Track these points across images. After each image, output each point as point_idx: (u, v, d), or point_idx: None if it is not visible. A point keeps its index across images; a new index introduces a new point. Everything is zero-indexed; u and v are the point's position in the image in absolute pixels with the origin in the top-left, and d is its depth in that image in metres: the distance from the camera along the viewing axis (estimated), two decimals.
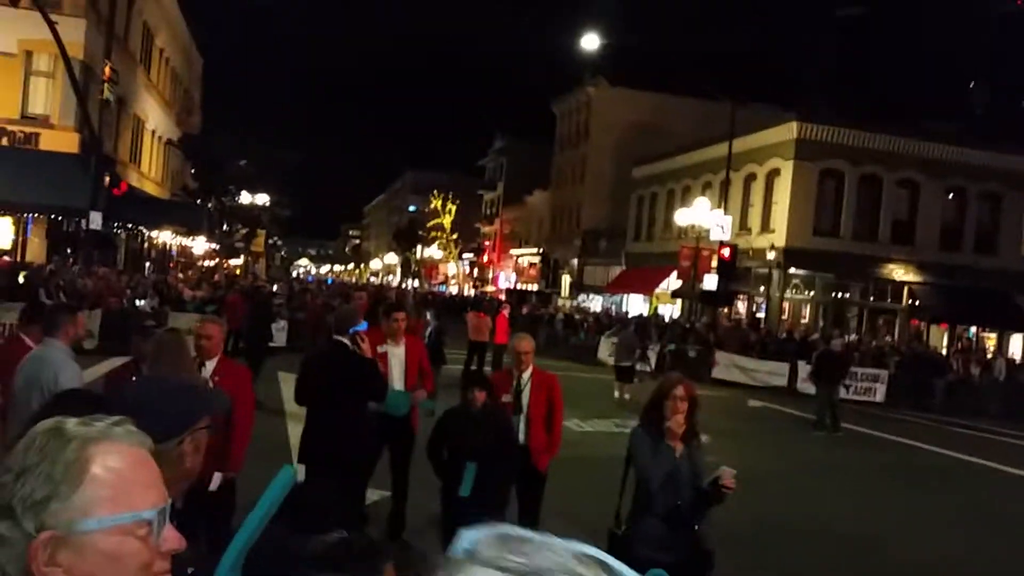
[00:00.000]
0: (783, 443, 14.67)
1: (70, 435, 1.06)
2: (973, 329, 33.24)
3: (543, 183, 56.50)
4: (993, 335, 33.27)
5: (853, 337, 27.96)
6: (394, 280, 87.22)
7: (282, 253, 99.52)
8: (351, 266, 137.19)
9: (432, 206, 75.68)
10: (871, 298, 32.77)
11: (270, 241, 64.00)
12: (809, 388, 18.76)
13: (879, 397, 21.69)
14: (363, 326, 6.37)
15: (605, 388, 18.02)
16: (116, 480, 1.05)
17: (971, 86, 44.16)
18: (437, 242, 75.47)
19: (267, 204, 43.80)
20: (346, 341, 6.08)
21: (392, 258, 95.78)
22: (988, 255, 32.18)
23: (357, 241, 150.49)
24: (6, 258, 22.43)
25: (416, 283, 78.39)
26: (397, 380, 6.85)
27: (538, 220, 58.07)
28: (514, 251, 62.22)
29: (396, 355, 6.93)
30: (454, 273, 77.38)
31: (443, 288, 73.67)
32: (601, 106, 48.46)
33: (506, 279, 59.43)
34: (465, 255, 73.84)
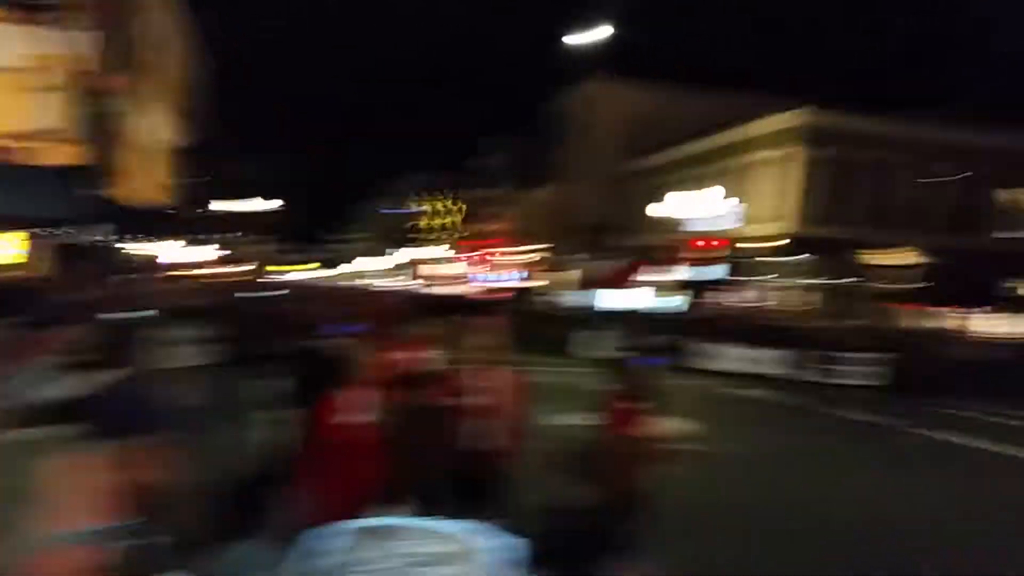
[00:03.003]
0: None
1: None
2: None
3: (544, 180, 56.29)
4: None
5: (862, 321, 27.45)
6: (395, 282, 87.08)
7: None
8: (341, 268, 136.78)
9: (428, 207, 75.72)
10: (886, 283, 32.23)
11: (267, 246, 63.82)
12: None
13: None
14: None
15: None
16: None
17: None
18: (435, 242, 75.52)
19: (265, 210, 43.65)
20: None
21: (389, 260, 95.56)
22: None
23: (348, 243, 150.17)
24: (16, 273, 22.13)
25: (417, 284, 78.34)
26: None
27: (539, 217, 57.87)
28: (515, 248, 61.99)
29: None
30: (457, 272, 77.35)
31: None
32: (602, 100, 48.28)
33: (507, 277, 59.22)
34: (465, 254, 73.69)
